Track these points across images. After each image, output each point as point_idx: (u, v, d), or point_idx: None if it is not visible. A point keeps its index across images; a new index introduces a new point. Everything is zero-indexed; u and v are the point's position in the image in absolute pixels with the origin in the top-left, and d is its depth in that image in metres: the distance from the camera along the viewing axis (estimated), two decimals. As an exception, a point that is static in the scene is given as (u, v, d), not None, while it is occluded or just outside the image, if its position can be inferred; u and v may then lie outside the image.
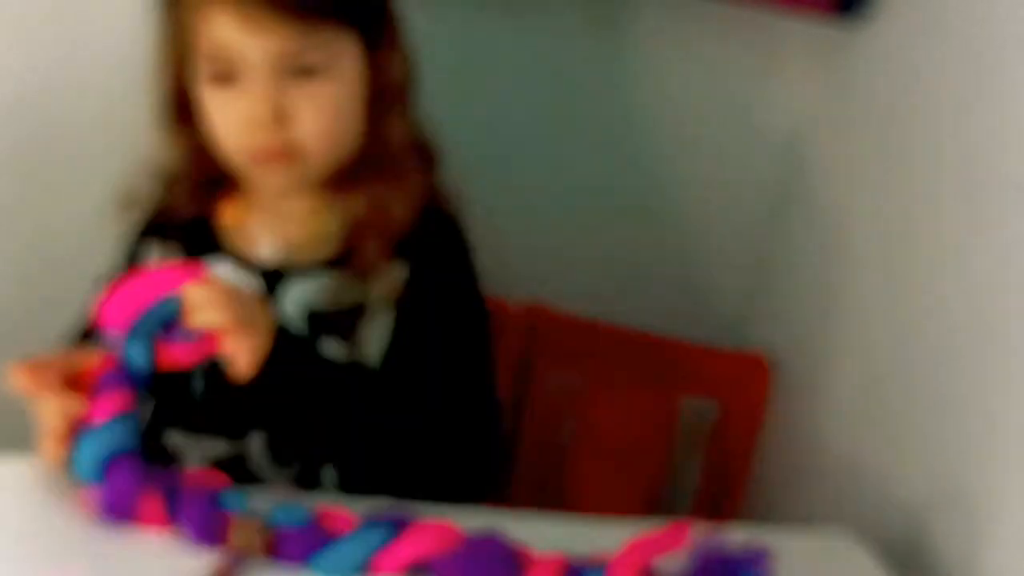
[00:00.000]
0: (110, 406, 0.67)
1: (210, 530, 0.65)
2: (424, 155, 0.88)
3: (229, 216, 0.87)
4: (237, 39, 0.74)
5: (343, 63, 0.78)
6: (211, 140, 0.82)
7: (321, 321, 0.81)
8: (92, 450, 0.66)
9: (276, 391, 0.73)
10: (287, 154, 0.78)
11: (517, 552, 0.66)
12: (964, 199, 0.85)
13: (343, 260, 0.83)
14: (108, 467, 0.66)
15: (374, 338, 0.82)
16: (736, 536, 0.71)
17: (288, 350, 0.72)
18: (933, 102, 0.93)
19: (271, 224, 0.85)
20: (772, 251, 1.29)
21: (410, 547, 0.64)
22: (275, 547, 0.65)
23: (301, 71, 0.76)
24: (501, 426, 0.84)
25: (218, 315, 0.68)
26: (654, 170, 1.28)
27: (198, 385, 0.82)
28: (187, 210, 0.86)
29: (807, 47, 1.19)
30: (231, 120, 0.79)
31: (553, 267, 1.30)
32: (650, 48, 1.22)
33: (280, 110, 0.76)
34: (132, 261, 0.87)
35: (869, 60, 1.08)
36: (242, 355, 0.69)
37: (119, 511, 0.66)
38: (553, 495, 1.23)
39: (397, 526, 0.65)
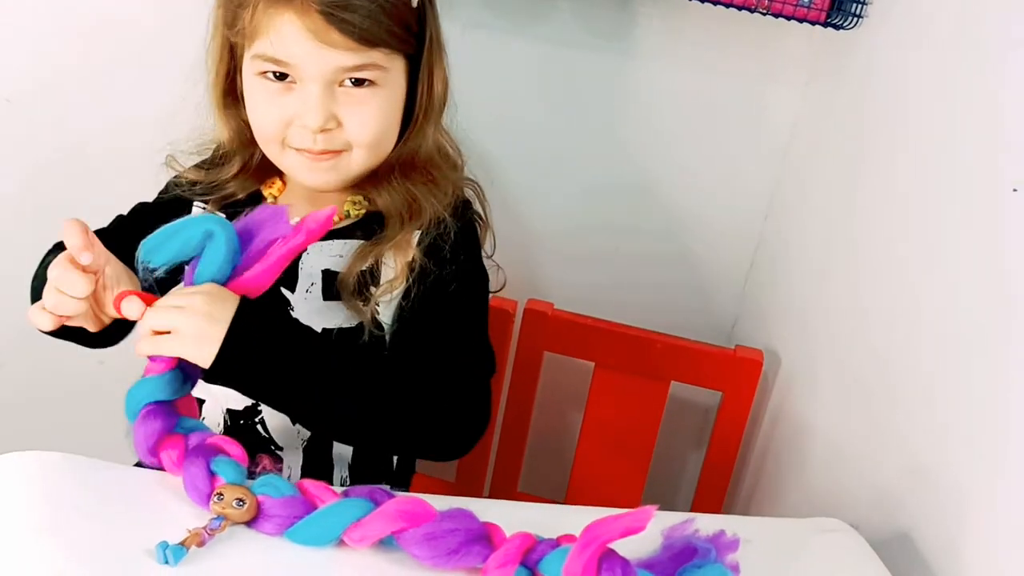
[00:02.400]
0: (162, 364, 0.74)
1: (201, 491, 0.69)
2: (451, 159, 0.94)
3: (269, 189, 0.92)
4: (300, 50, 0.79)
5: (391, 80, 0.84)
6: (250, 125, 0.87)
7: (336, 282, 0.86)
8: (134, 396, 0.74)
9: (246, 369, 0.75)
10: (330, 155, 0.84)
11: (487, 529, 0.68)
12: (951, 199, 0.86)
13: (364, 228, 0.88)
14: (142, 413, 0.73)
15: (386, 301, 0.86)
16: (711, 524, 0.72)
17: (253, 331, 0.74)
18: (925, 104, 0.93)
19: (303, 204, 0.90)
20: (766, 250, 1.31)
21: (381, 522, 0.67)
22: (257, 516, 0.68)
23: (353, 83, 0.81)
24: (488, 384, 0.87)
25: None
26: (653, 172, 1.30)
27: None
28: (234, 188, 0.92)
29: (803, 50, 1.20)
30: (276, 116, 0.83)
31: (556, 268, 1.34)
32: (647, 53, 1.24)
33: (329, 118, 0.81)
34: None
35: (863, 63, 1.09)
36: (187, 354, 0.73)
37: (146, 452, 0.73)
38: (559, 483, 1.25)
39: (373, 502, 0.68)
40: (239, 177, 0.92)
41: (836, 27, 1.08)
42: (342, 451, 0.90)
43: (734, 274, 1.34)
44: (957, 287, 0.83)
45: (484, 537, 0.68)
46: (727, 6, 1.09)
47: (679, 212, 1.31)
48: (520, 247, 1.32)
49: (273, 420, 0.88)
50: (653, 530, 0.68)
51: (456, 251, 0.87)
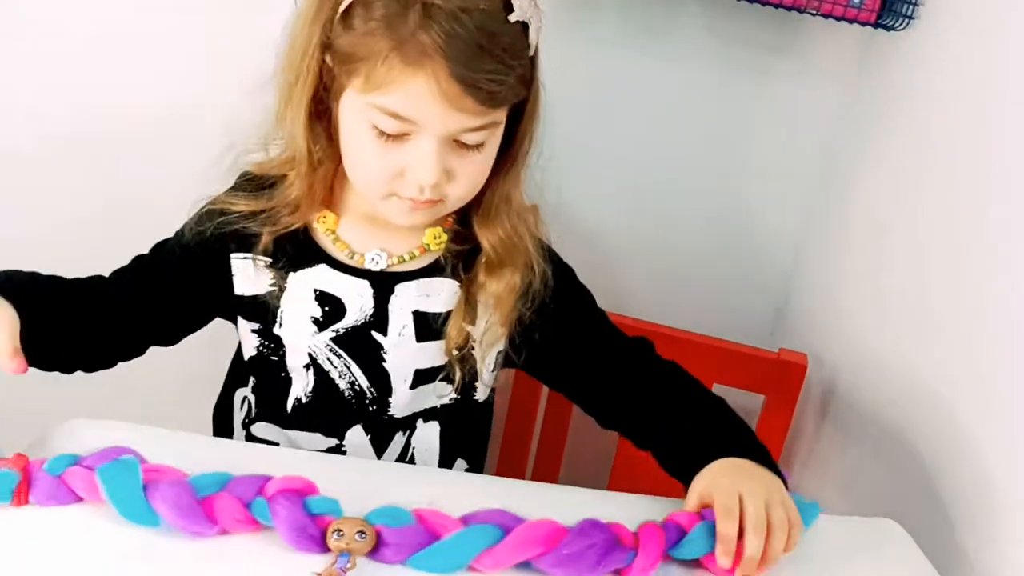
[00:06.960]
0: None
1: (306, 534, 0.64)
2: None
3: (323, 223, 0.86)
4: (430, 113, 0.74)
5: (496, 135, 0.80)
6: (341, 159, 0.82)
7: (427, 322, 0.85)
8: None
9: None
10: (433, 202, 0.80)
11: (615, 533, 0.67)
12: (1009, 203, 0.85)
13: (448, 265, 0.86)
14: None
15: (483, 338, 0.87)
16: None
17: None
18: (972, 106, 0.93)
19: (363, 235, 0.86)
20: (809, 251, 1.31)
21: (517, 549, 0.64)
22: (376, 547, 0.64)
23: (464, 144, 0.77)
24: None
25: None
26: (694, 174, 1.29)
27: (300, 389, 0.88)
28: (294, 217, 0.85)
29: (846, 50, 1.20)
30: (386, 166, 0.78)
31: (602, 270, 1.30)
32: (693, 54, 1.23)
33: (443, 173, 0.77)
34: (214, 272, 0.86)
35: (907, 64, 1.09)
36: None
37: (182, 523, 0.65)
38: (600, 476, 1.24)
39: (503, 528, 0.65)
40: (300, 202, 0.84)
41: (887, 28, 1.08)
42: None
43: (777, 276, 1.34)
44: (1018, 291, 0.82)
45: (616, 542, 0.67)
46: (776, 7, 1.08)
47: (723, 212, 1.30)
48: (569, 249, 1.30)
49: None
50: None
51: (556, 293, 0.88)
